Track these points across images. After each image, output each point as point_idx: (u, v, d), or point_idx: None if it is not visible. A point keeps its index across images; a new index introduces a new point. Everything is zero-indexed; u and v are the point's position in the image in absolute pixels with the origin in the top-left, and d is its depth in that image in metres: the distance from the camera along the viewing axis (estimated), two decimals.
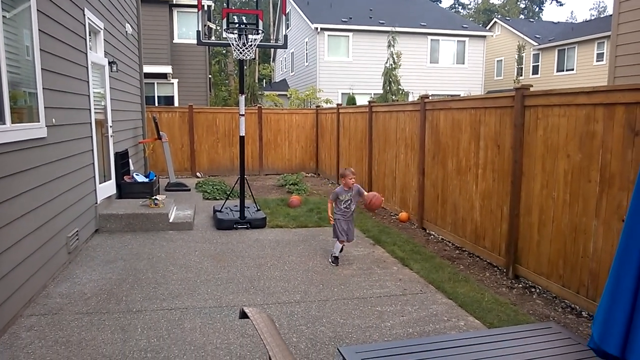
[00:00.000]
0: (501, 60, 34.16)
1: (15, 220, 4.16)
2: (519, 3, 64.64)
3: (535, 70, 31.37)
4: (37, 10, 4.77)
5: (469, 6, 67.97)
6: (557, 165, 4.71)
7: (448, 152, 6.80)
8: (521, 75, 31.25)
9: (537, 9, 66.83)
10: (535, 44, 31.08)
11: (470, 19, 55.28)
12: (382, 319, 4.25)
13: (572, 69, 28.41)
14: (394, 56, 20.23)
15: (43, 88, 4.89)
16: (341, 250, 5.88)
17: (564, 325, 4.14)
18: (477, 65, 26.61)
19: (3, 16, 4.03)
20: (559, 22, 39.56)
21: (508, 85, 30.43)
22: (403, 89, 20.63)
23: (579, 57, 28.02)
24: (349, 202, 5.74)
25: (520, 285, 5.15)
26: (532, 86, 5.27)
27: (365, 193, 5.71)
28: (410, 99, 21.93)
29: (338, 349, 2.70)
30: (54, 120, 5.19)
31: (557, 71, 29.58)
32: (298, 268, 5.63)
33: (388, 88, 20.25)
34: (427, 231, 7.44)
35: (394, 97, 19.95)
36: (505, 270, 5.51)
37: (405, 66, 21.78)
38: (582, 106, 4.40)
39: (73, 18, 6.08)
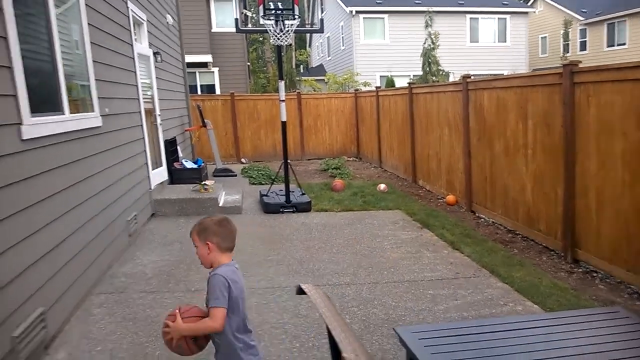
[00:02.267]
0: (545, 37, 32.90)
1: (80, 205, 4.35)
2: None
3: (583, 46, 30.04)
4: (86, 5, 4.91)
5: None
6: (613, 144, 4.51)
7: (494, 133, 6.64)
8: (568, 52, 30.00)
9: None
10: (582, 18, 29.72)
11: None
12: (435, 302, 4.24)
13: (624, 44, 27.07)
14: (432, 36, 19.79)
15: (95, 79, 5.05)
16: None
17: (633, 311, 4.01)
18: (520, 43, 25.72)
19: (55, 12, 4.17)
20: None
21: (554, 62, 29.25)
22: (443, 70, 20.21)
23: (631, 30, 26.63)
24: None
25: (580, 270, 4.97)
26: (580, 62, 5.07)
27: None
28: (451, 79, 21.42)
29: (395, 330, 2.71)
30: (107, 109, 5.36)
31: (608, 46, 28.23)
32: (346, 251, 5.68)
33: (427, 69, 19.89)
34: (477, 214, 7.31)
35: (434, 78, 19.57)
36: (563, 254, 5.32)
37: (444, 46, 21.23)
38: (638, 81, 4.18)
39: (118, 11, 6.23)
